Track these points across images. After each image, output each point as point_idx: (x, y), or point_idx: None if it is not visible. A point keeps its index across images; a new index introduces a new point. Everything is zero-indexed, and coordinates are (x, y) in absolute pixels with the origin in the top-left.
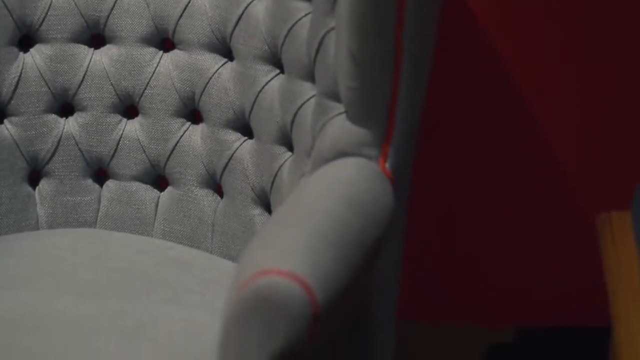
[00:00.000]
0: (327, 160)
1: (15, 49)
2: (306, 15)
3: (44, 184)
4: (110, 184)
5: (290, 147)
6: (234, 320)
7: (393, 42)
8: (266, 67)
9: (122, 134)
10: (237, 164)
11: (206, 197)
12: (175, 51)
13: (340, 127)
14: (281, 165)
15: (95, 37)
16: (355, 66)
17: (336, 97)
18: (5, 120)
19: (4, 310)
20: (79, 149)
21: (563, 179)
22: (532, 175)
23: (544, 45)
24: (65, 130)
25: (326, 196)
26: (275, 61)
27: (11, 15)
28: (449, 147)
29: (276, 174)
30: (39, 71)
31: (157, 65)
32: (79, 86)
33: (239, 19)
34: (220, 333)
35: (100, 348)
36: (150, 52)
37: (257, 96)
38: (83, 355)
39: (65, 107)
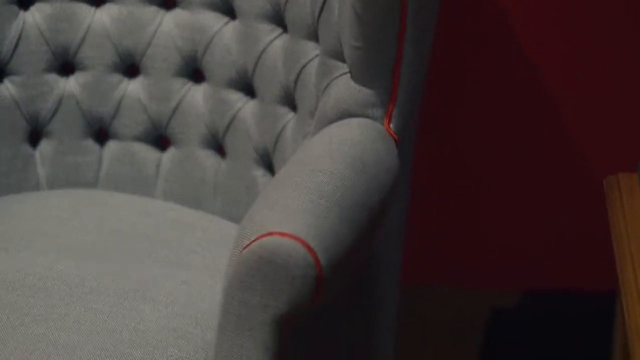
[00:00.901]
0: (331, 121)
1: (15, 7)
2: None
3: (44, 144)
4: (111, 144)
5: (293, 108)
6: (236, 282)
7: (398, 1)
8: (269, 26)
9: (123, 94)
10: (240, 125)
11: (208, 157)
12: (177, 10)
13: (344, 87)
14: (284, 126)
15: None
16: (360, 25)
17: (340, 57)
18: (6, 80)
19: (4, 272)
20: (80, 108)
21: (570, 141)
22: (539, 137)
23: (553, 6)
24: (66, 89)
25: (330, 157)
26: (279, 20)
27: None
28: (454, 108)
29: (279, 135)
30: (39, 30)
31: (159, 24)
32: (80, 45)
33: None
34: (222, 295)
35: (100, 309)
36: (152, 11)
37: (260, 55)
38: (83, 316)
39: (66, 66)
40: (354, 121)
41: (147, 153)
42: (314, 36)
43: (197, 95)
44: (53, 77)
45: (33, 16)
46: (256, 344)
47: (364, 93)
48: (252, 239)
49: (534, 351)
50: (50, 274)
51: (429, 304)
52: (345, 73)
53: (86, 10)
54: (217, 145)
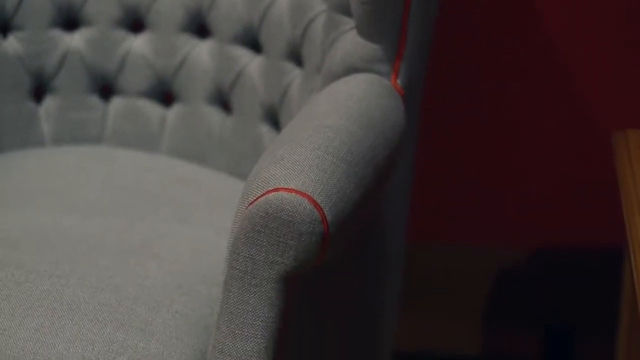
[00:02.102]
0: (337, 76)
1: None
2: None
3: (49, 101)
4: (116, 100)
5: (299, 63)
6: (242, 238)
7: None
8: None
9: (128, 49)
10: (246, 81)
11: (214, 114)
12: None
13: (351, 42)
14: (290, 82)
15: None
16: None
17: (347, 12)
18: (10, 35)
19: (8, 229)
20: (85, 64)
21: (578, 97)
22: (548, 93)
23: None
24: (70, 45)
25: (336, 113)
26: None
27: None
28: (463, 63)
29: (285, 91)
30: None
31: None
32: (85, 0)
33: None
34: (228, 251)
35: (105, 266)
36: None
37: (266, 10)
38: (88, 273)
39: (71, 21)
40: (361, 77)
41: (152, 109)
42: None
43: (202, 50)
44: (57, 33)
45: None
46: (262, 300)
47: (370, 48)
48: (258, 194)
49: (540, 308)
50: (55, 230)
51: (433, 260)
52: (352, 28)
53: None
54: (223, 102)
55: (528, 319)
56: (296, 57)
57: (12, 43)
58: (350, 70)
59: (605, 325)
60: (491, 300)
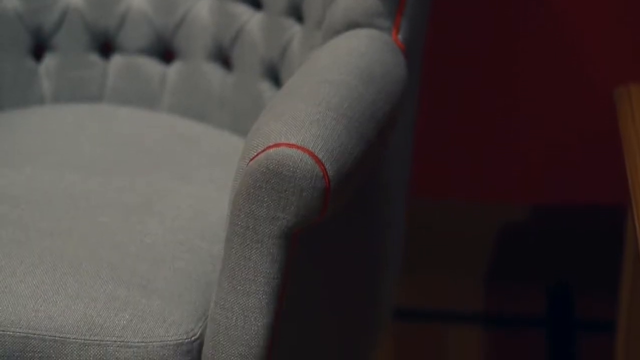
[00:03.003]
0: (338, 32)
1: None
2: None
3: (48, 59)
4: (116, 58)
5: (300, 19)
6: (244, 194)
7: None
8: None
9: (128, 6)
10: (246, 37)
11: (214, 71)
12: None
13: None
14: (291, 38)
15: None
16: None
17: None
18: None
19: (9, 187)
20: (84, 21)
21: (580, 52)
22: (549, 48)
23: None
24: (70, 2)
25: (337, 68)
26: None
27: None
28: (464, 19)
29: (286, 47)
30: None
31: None
32: None
33: None
34: (230, 207)
35: (106, 223)
36: None
37: None
38: (89, 230)
39: None
40: (362, 32)
41: (152, 67)
42: None
43: (202, 7)
44: None
45: None
46: (264, 256)
47: (371, 2)
48: (259, 150)
49: (542, 265)
50: (56, 188)
51: (437, 217)
52: None
53: None
54: (223, 59)
55: (530, 276)
56: (296, 13)
57: (10, 0)
58: (351, 25)
59: (607, 282)
60: (493, 258)
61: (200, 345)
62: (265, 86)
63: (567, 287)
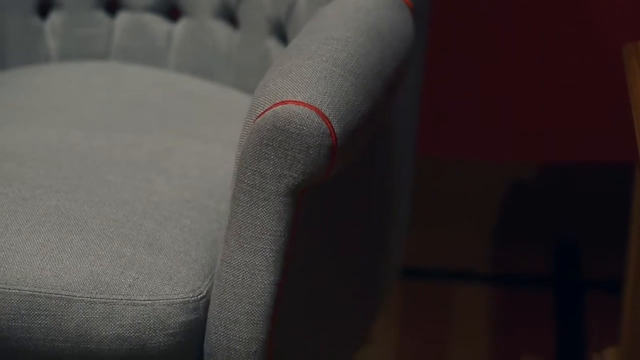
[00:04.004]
0: None
1: None
2: None
3: (54, 16)
4: (122, 15)
5: None
6: (250, 151)
7: None
8: None
9: None
10: None
11: (221, 28)
12: None
13: None
14: None
15: None
16: None
17: None
18: None
19: (14, 145)
20: None
21: (588, 8)
22: (559, 4)
23: None
24: None
25: (344, 25)
26: None
27: None
28: None
29: (292, 4)
30: None
31: None
32: None
33: None
34: (236, 165)
35: (112, 181)
36: None
37: None
38: (95, 188)
39: None
40: None
41: (158, 24)
42: None
43: None
44: None
45: None
46: (270, 214)
47: None
48: (266, 107)
49: (550, 224)
50: (62, 146)
51: (444, 175)
52: None
53: None
54: (230, 16)
55: (538, 235)
56: None
57: None
58: None
59: (615, 241)
60: (500, 216)
61: (207, 303)
62: (272, 44)
63: (574, 246)
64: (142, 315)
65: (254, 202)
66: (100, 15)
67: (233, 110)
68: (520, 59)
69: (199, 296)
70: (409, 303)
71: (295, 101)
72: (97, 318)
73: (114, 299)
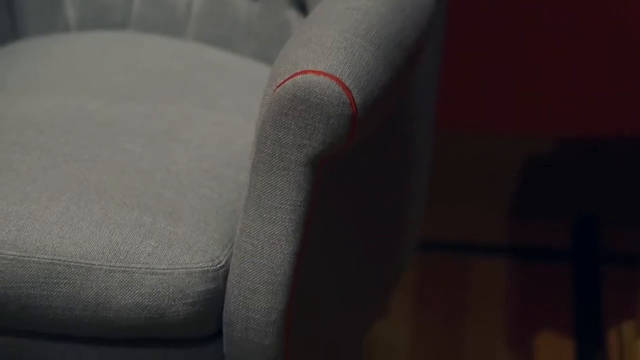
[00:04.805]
0: None
1: None
2: None
3: None
4: None
5: None
6: (270, 121)
7: None
8: None
9: None
10: None
11: None
12: None
13: None
14: None
15: None
16: None
17: None
18: None
19: (33, 113)
20: None
21: None
22: None
23: None
24: None
25: None
26: None
27: None
28: None
29: None
30: None
31: None
32: None
33: None
34: (256, 134)
35: (131, 150)
36: None
37: None
38: (114, 157)
39: None
40: None
41: None
42: None
43: None
44: None
45: None
46: (290, 184)
47: None
48: (286, 77)
49: (568, 198)
50: (81, 115)
51: (463, 149)
52: None
53: None
54: None
55: (556, 209)
56: None
57: None
58: None
59: (634, 214)
60: (519, 190)
61: (226, 272)
62: (292, 14)
63: (592, 220)
64: (161, 284)
65: (273, 172)
66: None
67: (252, 79)
68: (541, 31)
69: (218, 265)
70: (426, 276)
71: (316, 71)
72: (116, 286)
73: (133, 267)
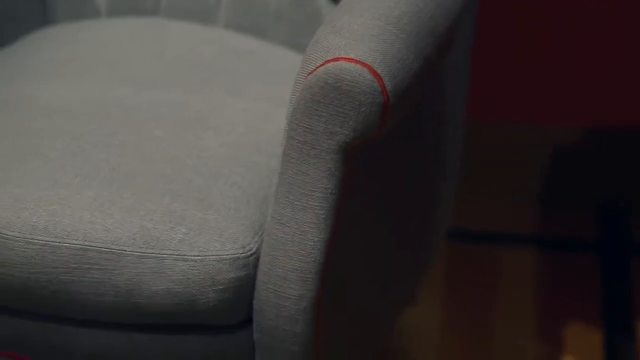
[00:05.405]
0: None
1: None
2: None
3: None
4: None
5: None
6: (301, 108)
7: None
8: None
9: None
10: None
11: None
12: None
13: None
14: None
15: None
16: None
17: None
18: None
19: (63, 99)
20: None
21: None
22: None
23: None
24: None
25: None
26: None
27: None
28: None
29: None
30: None
31: None
32: None
33: None
34: (287, 121)
35: (161, 137)
36: None
37: None
38: (144, 144)
39: None
40: None
41: None
42: None
43: None
44: None
45: None
46: (321, 171)
47: None
48: (318, 64)
49: (598, 188)
50: (110, 101)
51: (491, 139)
52: None
53: None
54: None
55: (585, 198)
56: None
57: None
58: None
59: None
60: (548, 181)
61: (257, 259)
62: (323, 2)
63: (622, 211)
64: (192, 270)
65: (304, 159)
66: None
67: (283, 67)
68: (574, 19)
69: (248, 252)
70: (455, 266)
71: (347, 58)
72: (147, 272)
73: (164, 253)
